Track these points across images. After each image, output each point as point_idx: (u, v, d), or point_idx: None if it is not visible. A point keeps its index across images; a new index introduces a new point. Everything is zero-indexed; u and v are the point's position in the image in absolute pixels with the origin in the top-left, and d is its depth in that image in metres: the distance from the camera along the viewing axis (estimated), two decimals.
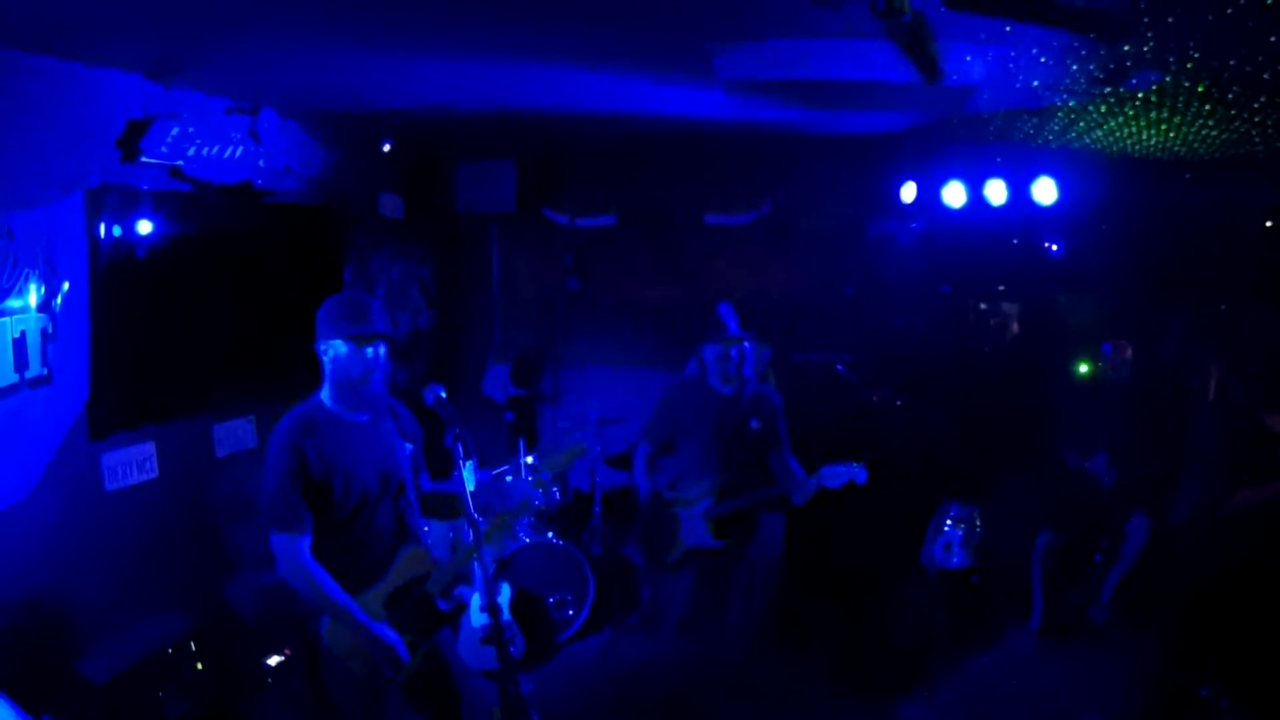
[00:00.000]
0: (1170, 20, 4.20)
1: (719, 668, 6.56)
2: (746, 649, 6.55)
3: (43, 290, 5.19)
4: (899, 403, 8.16)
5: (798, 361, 8.42)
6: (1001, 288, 9.05)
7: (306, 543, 4.25)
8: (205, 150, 6.03)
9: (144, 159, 5.63)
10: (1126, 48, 4.70)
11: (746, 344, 6.29)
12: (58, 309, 5.33)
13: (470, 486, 4.37)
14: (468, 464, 4.44)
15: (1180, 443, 7.01)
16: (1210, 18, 4.13)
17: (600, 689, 6.63)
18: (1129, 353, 7.29)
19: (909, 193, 8.17)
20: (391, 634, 4.30)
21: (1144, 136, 6.61)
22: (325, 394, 4.45)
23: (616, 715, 6.32)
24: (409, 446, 4.57)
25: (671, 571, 6.25)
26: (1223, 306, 7.94)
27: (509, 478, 7.69)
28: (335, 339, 4.33)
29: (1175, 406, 7.19)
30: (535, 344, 9.93)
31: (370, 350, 4.33)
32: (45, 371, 5.23)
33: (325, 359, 4.38)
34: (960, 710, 6.24)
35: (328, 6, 4.38)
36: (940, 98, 6.09)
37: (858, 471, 5.92)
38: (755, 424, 6.24)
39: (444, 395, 4.38)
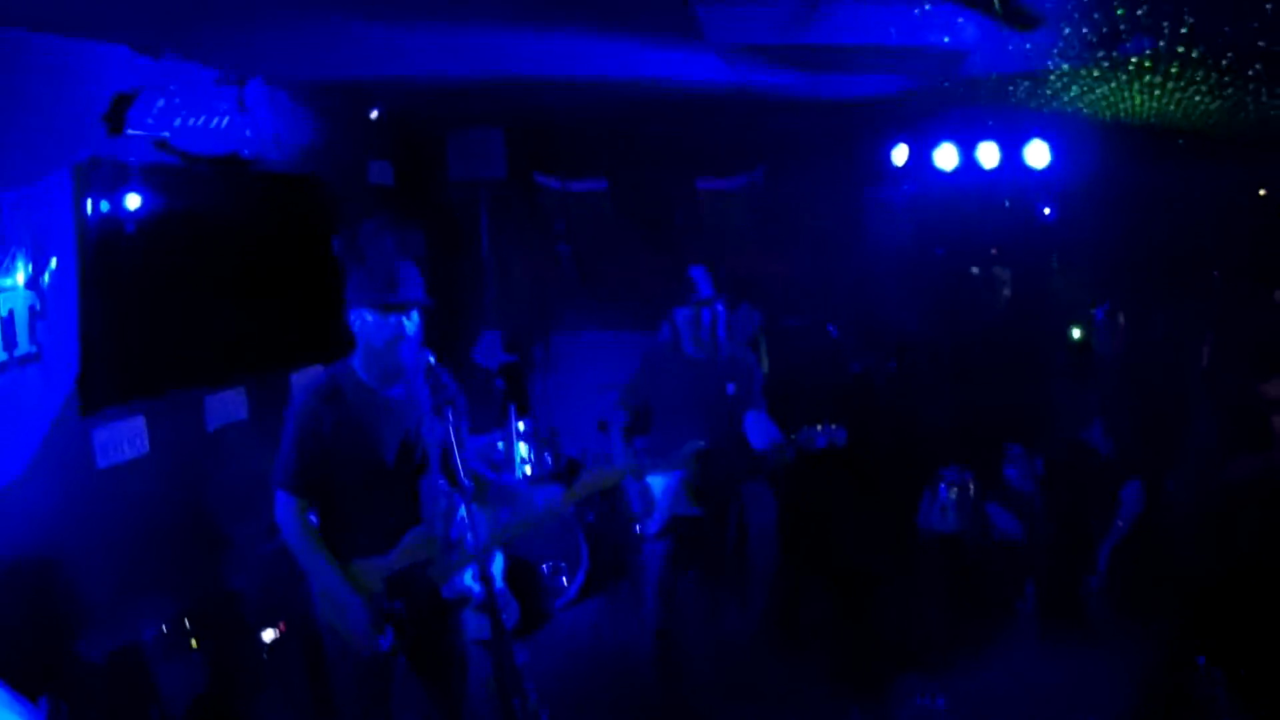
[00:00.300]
0: None
1: (713, 637, 6.63)
2: (743, 624, 6.57)
3: (30, 267, 5.14)
4: (891, 366, 8.16)
5: (789, 326, 8.42)
6: (994, 251, 9.05)
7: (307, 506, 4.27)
8: (192, 121, 5.97)
9: (130, 131, 5.56)
10: (1121, 11, 4.67)
11: (719, 306, 6.16)
12: (46, 286, 5.28)
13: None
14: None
15: (1175, 411, 7.03)
16: None
17: (594, 657, 6.68)
18: (1121, 319, 7.30)
19: (900, 155, 8.16)
20: (360, 617, 4.24)
21: (1137, 102, 6.59)
22: (357, 361, 4.40)
23: (610, 683, 6.37)
24: (447, 421, 4.20)
25: (653, 541, 6.14)
26: (1215, 273, 7.96)
27: (500, 443, 7.72)
28: (362, 306, 4.25)
29: (1169, 375, 7.21)
30: (527, 310, 9.92)
31: (394, 319, 4.23)
32: (34, 349, 5.19)
33: (354, 326, 4.32)
34: (953, 686, 6.30)
35: None
36: (933, 62, 6.06)
37: (838, 434, 5.81)
38: (732, 389, 6.12)
39: (433, 361, 4.31)
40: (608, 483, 5.30)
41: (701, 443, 6.01)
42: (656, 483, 6.07)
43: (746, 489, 6.62)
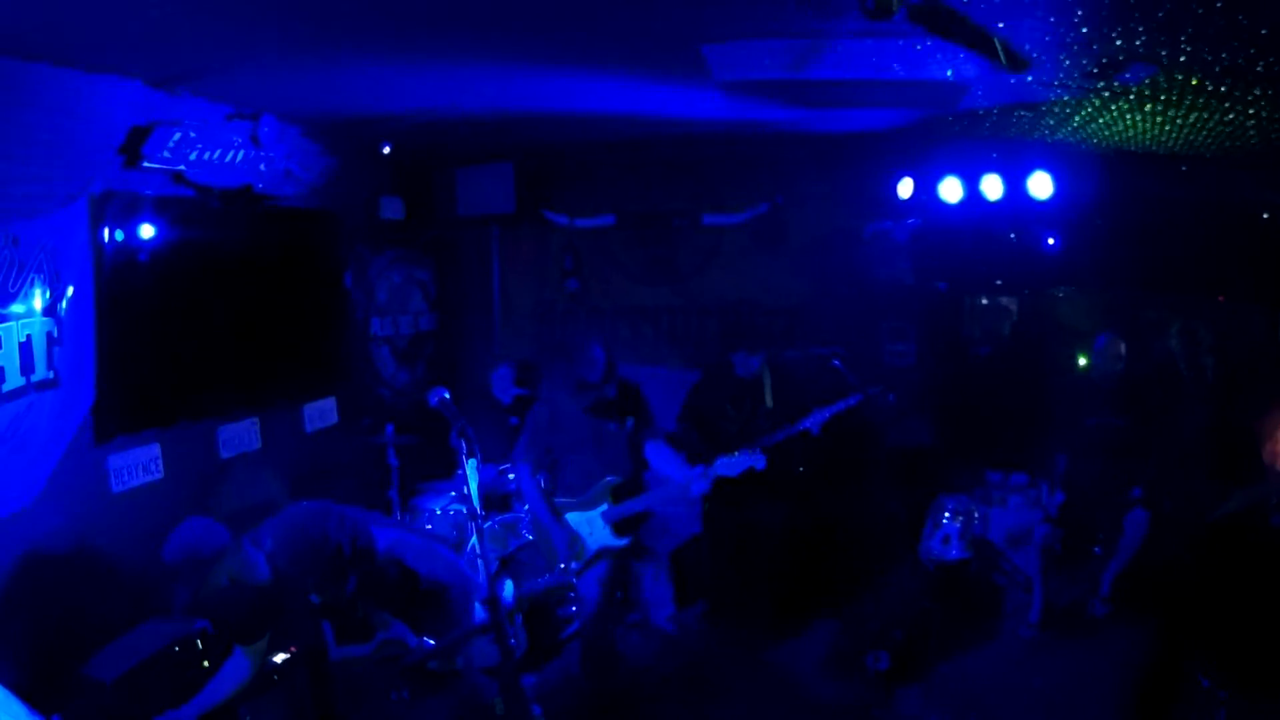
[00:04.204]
0: (1160, 14, 4.24)
1: (715, 659, 6.67)
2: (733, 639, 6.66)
3: (48, 295, 5.23)
4: (890, 398, 8.19)
5: (794, 358, 8.46)
6: (999, 282, 9.08)
7: None
8: (206, 155, 6.07)
9: (146, 164, 5.67)
10: (1119, 42, 4.74)
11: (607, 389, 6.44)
12: (63, 313, 5.37)
13: (474, 483, 4.43)
14: (471, 461, 4.48)
15: (1174, 436, 7.04)
16: (1200, 11, 4.16)
17: (600, 682, 6.67)
18: (1122, 347, 7.31)
19: (905, 189, 8.21)
20: None
21: (1138, 130, 6.64)
22: None
23: (615, 708, 6.37)
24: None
25: (584, 575, 6.36)
26: (1221, 298, 7.96)
27: (511, 474, 7.75)
28: None
29: (1170, 401, 7.22)
30: (535, 344, 9.99)
31: None
32: (51, 375, 5.27)
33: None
34: (957, 702, 6.30)
35: (327, 23, 4.45)
36: (935, 95, 6.13)
37: (756, 458, 6.12)
38: (631, 422, 6.40)
39: (448, 397, 4.44)
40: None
41: (615, 478, 6.29)
42: (578, 521, 6.31)
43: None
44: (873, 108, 6.81)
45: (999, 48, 4.53)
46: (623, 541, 6.28)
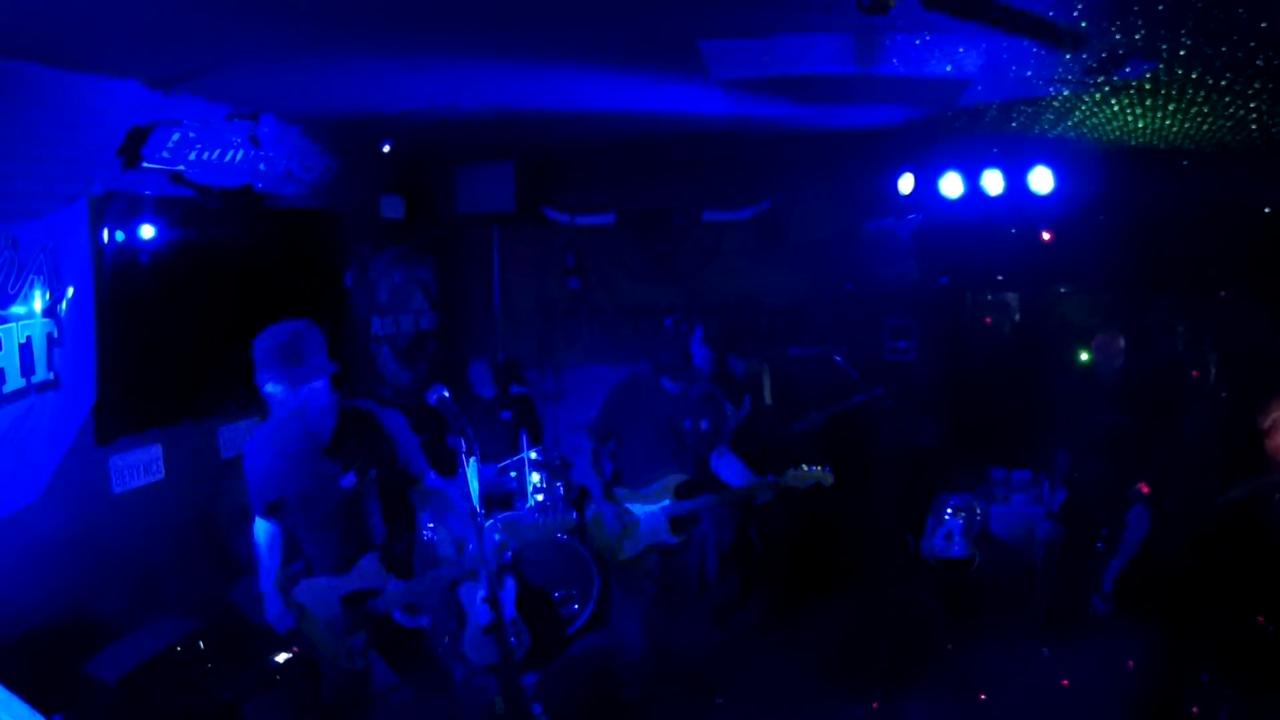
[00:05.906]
0: (1160, 8, 4.22)
1: (718, 660, 6.65)
2: (737, 640, 6.69)
3: (48, 296, 5.22)
4: (889, 401, 8.19)
5: (796, 355, 8.46)
6: (1000, 278, 9.08)
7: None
8: (206, 155, 6.06)
9: (145, 165, 5.66)
10: (1119, 37, 4.73)
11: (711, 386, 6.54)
12: (63, 314, 5.36)
13: (474, 483, 4.42)
14: (471, 461, 4.47)
15: (1177, 433, 7.02)
16: (1200, 6, 4.15)
17: (604, 681, 6.67)
18: (1121, 342, 7.29)
19: (906, 184, 8.20)
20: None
21: (1139, 125, 6.64)
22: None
23: (616, 707, 6.37)
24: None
25: (626, 568, 6.38)
26: (1221, 294, 7.95)
27: (512, 473, 7.74)
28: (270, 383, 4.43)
29: (1173, 397, 7.20)
30: (537, 343, 10.01)
31: (305, 389, 4.42)
32: (52, 376, 5.26)
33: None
34: (959, 700, 6.29)
35: (327, 21, 4.44)
36: (936, 91, 6.12)
37: (824, 475, 6.10)
38: (706, 424, 6.38)
39: (447, 396, 4.44)
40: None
41: (683, 475, 6.27)
42: (638, 511, 6.29)
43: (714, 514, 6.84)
44: (873, 104, 6.80)
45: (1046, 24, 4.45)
46: (677, 539, 6.29)
